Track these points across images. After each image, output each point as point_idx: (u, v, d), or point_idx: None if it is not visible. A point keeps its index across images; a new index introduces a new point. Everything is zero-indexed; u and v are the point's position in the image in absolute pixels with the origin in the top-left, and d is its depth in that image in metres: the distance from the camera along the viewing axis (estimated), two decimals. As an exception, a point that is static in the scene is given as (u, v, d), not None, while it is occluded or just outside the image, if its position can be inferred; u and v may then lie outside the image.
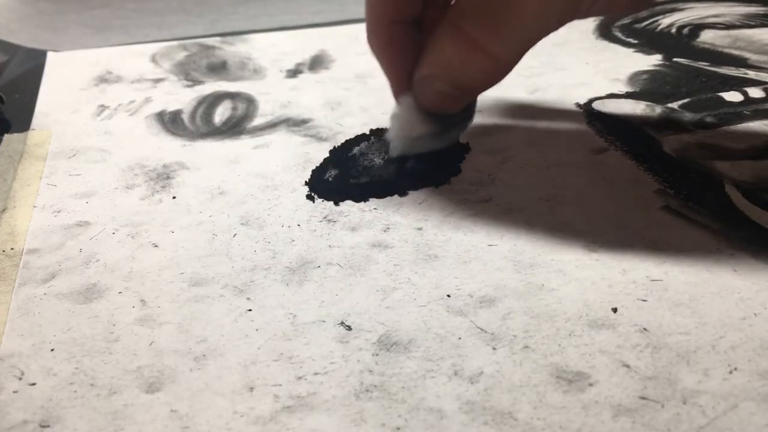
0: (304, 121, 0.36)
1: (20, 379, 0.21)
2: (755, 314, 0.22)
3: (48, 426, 0.19)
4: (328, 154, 0.32)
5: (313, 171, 0.31)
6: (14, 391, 0.20)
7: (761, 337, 0.21)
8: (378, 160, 0.31)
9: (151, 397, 0.20)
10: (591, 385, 0.20)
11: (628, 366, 0.20)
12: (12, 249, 0.27)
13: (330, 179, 0.30)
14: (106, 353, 0.22)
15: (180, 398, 0.20)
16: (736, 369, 0.20)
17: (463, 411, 0.19)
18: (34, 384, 0.21)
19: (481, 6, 0.25)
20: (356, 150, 0.32)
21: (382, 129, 0.34)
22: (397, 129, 0.30)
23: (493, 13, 0.24)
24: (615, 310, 0.22)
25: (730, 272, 0.24)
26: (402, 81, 0.29)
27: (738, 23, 0.46)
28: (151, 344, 0.22)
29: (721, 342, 0.21)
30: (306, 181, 0.30)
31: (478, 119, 0.35)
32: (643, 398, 0.19)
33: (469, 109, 0.30)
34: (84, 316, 0.23)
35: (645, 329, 0.21)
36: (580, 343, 0.21)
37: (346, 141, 0.33)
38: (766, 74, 0.38)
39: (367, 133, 0.34)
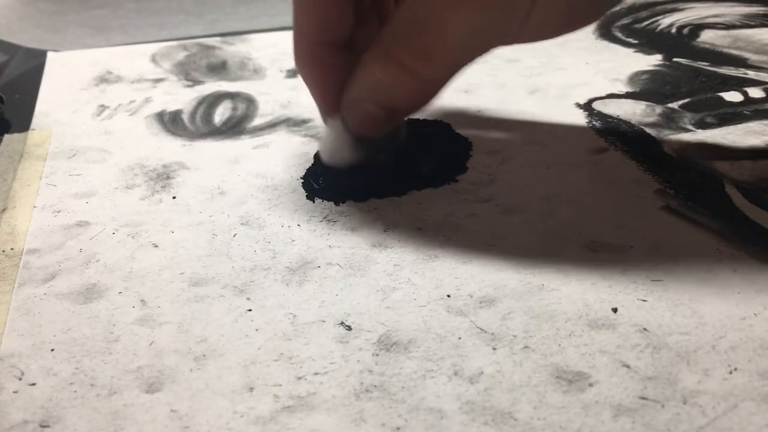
0: (304, 121, 0.36)
1: (20, 379, 0.21)
2: (755, 314, 0.22)
3: (48, 426, 0.19)
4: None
5: (307, 170, 0.31)
6: (14, 391, 0.20)
7: (761, 337, 0.21)
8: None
9: (151, 397, 0.20)
10: (591, 385, 0.20)
11: (628, 366, 0.20)
12: (12, 249, 0.27)
13: (322, 182, 0.30)
14: (106, 353, 0.22)
15: (180, 398, 0.20)
16: (736, 369, 0.20)
17: (463, 411, 0.19)
18: (34, 384, 0.21)
19: (410, 30, 0.25)
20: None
21: None
22: (326, 151, 0.29)
23: (421, 38, 0.24)
24: (615, 310, 0.22)
25: (730, 272, 0.24)
26: (329, 103, 0.28)
27: (738, 23, 0.46)
28: (151, 344, 0.22)
29: (721, 342, 0.21)
30: (302, 182, 0.30)
31: (478, 119, 0.35)
32: (643, 398, 0.19)
33: (397, 130, 0.30)
34: (84, 316, 0.23)
35: (645, 329, 0.21)
36: (580, 343, 0.21)
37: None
38: (766, 74, 0.38)
39: None
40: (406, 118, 0.30)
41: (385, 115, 0.27)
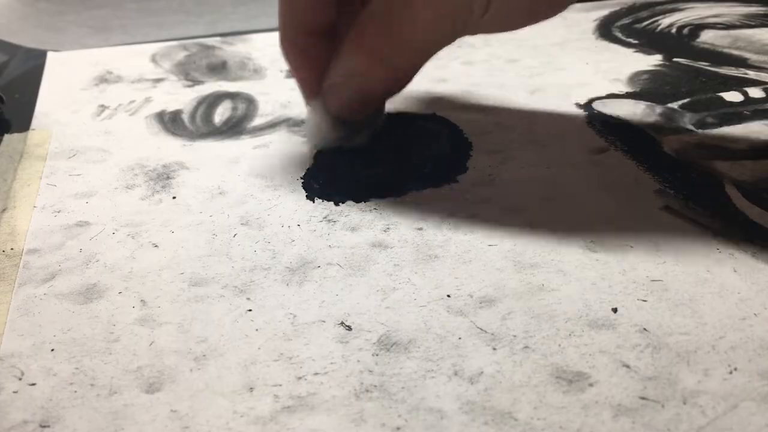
0: (304, 121, 0.36)
1: (20, 379, 0.21)
2: (755, 314, 0.22)
3: (48, 426, 0.19)
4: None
5: (307, 170, 0.31)
6: (14, 392, 0.20)
7: (761, 337, 0.21)
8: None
9: (151, 397, 0.20)
10: (591, 385, 0.20)
11: (628, 366, 0.20)
12: (12, 249, 0.27)
13: (322, 182, 0.30)
14: (106, 353, 0.22)
15: (180, 398, 0.20)
16: (736, 369, 0.20)
17: (463, 411, 0.19)
18: (34, 384, 0.21)
19: (379, 20, 0.26)
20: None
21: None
22: (308, 131, 0.32)
23: (389, 28, 0.26)
24: (615, 310, 0.22)
25: (730, 272, 0.24)
26: (313, 88, 0.30)
27: (738, 23, 0.46)
28: (151, 344, 0.22)
29: (721, 342, 0.21)
30: (302, 182, 0.30)
31: (479, 119, 0.35)
32: (643, 398, 0.19)
33: (376, 115, 0.32)
34: (84, 316, 0.23)
35: (645, 329, 0.21)
36: (580, 343, 0.21)
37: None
38: (766, 74, 0.38)
39: None
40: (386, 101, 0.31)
41: (361, 100, 0.29)
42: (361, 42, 0.27)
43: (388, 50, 0.27)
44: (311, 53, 0.30)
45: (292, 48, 0.30)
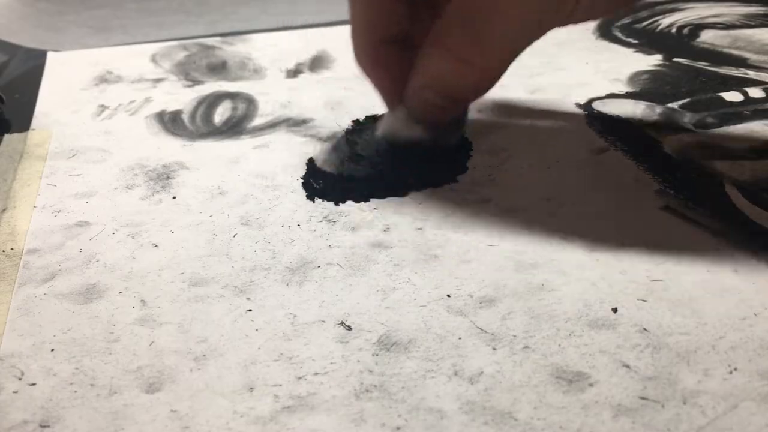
0: (304, 121, 0.36)
1: (20, 379, 0.21)
2: (755, 314, 0.22)
3: (48, 426, 0.19)
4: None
5: (307, 170, 0.31)
6: (14, 392, 0.20)
7: (761, 337, 0.21)
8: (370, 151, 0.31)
9: (151, 397, 0.20)
10: (591, 385, 0.20)
11: (628, 366, 0.20)
12: (12, 249, 0.27)
13: (321, 182, 0.30)
14: (106, 353, 0.22)
15: (180, 398, 0.20)
16: (736, 369, 0.20)
17: (463, 411, 0.19)
18: (34, 384, 0.21)
19: (462, 21, 0.26)
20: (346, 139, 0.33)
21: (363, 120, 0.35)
22: (388, 133, 0.31)
23: (475, 28, 0.25)
24: (615, 310, 0.22)
25: (731, 272, 0.24)
26: (393, 96, 0.30)
27: (738, 23, 0.46)
28: (151, 344, 0.22)
29: (721, 342, 0.21)
30: (302, 182, 0.30)
31: (478, 119, 0.35)
32: (643, 398, 0.19)
33: (460, 117, 0.31)
34: (84, 316, 0.23)
35: (645, 329, 0.21)
36: (580, 343, 0.21)
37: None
38: (766, 74, 0.38)
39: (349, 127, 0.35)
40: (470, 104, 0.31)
41: (446, 104, 0.28)
42: (444, 47, 0.27)
43: (475, 53, 0.26)
44: (387, 62, 0.30)
45: (367, 59, 0.30)
